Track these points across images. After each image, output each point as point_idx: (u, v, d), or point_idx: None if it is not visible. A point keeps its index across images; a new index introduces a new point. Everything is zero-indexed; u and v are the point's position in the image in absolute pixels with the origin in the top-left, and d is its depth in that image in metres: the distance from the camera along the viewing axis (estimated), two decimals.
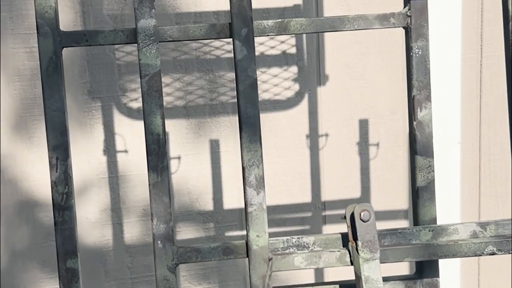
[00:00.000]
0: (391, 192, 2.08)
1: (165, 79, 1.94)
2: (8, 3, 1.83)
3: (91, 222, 1.98)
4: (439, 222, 1.98)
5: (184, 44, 1.92)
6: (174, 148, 1.98)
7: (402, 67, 1.98)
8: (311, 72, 1.99)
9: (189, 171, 1.99)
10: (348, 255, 1.06)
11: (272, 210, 2.04)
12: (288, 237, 1.10)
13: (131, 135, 1.96)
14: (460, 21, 1.94)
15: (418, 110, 1.14)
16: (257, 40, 1.91)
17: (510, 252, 1.06)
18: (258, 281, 1.04)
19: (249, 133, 1.05)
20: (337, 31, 1.12)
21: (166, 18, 1.89)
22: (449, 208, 2.06)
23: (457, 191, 2.07)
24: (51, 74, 1.07)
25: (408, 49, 1.15)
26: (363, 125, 2.04)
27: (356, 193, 2.07)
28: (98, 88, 1.92)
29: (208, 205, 2.02)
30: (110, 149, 1.96)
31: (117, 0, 1.88)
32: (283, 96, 1.99)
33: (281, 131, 2.01)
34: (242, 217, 2.05)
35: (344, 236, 1.09)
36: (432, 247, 1.06)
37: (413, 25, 1.13)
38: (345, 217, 1.06)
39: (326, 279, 2.08)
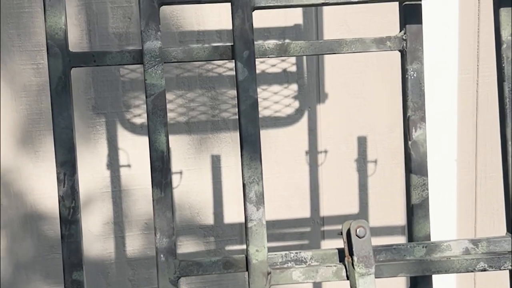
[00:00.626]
0: (388, 208, 2.11)
1: (168, 96, 1.98)
2: (16, 21, 1.88)
3: (93, 235, 2.02)
4: (436, 237, 2.02)
5: (187, 62, 1.96)
6: (176, 163, 2.02)
7: (400, 85, 2.03)
8: (311, 90, 2.03)
9: (191, 185, 2.03)
10: (344, 269, 1.10)
11: (272, 224, 2.08)
12: (287, 252, 1.14)
13: (134, 150, 2.00)
14: (457, 42, 1.98)
15: (413, 130, 1.18)
16: (259, 58, 1.96)
17: (501, 268, 1.10)
18: None
19: (249, 151, 1.09)
20: (335, 53, 1.16)
21: (170, 36, 1.94)
22: (446, 225, 2.10)
23: (454, 207, 2.11)
24: (60, 93, 1.11)
25: (404, 71, 1.19)
26: (362, 142, 2.08)
27: (354, 209, 2.11)
28: (103, 104, 1.96)
29: (209, 219, 2.06)
30: (113, 164, 2.00)
31: (122, 19, 1.92)
32: (284, 113, 2.04)
33: (281, 147, 2.05)
34: (242, 231, 2.09)
35: (341, 251, 1.13)
36: (425, 262, 1.10)
37: (408, 48, 1.17)
38: (341, 233, 1.10)
39: None
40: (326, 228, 2.11)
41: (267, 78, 2.01)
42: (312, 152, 2.07)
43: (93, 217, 2.01)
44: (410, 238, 1.19)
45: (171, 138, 2.01)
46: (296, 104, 2.04)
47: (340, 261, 1.13)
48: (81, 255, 1.13)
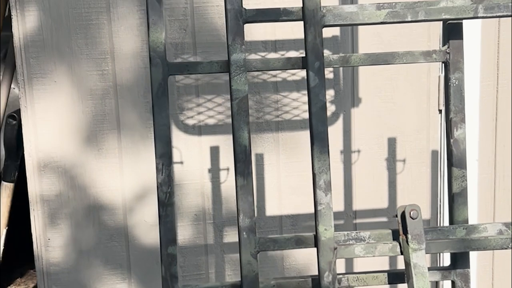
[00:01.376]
0: (415, 203, 2.32)
1: (217, 99, 2.19)
2: (84, 31, 2.09)
3: (149, 224, 2.23)
4: None
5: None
6: (224, 160, 2.23)
7: (427, 91, 2.24)
8: (346, 95, 2.24)
9: None
10: (399, 246, 1.31)
11: (310, 217, 2.29)
12: (348, 232, 1.35)
13: (186, 148, 2.21)
14: (479, 53, 2.19)
15: (455, 129, 1.39)
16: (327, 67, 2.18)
17: None
18: (326, 266, 1.29)
19: (319, 146, 1.30)
20: (389, 64, 1.37)
21: (221, 46, 2.15)
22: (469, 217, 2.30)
23: (475, 202, 2.31)
24: (160, 96, 1.32)
25: (447, 80, 1.40)
26: (391, 143, 2.29)
27: (384, 203, 2.32)
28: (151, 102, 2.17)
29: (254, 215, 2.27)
30: None
31: (179, 30, 2.14)
32: None
33: None
34: (282, 223, 2.29)
35: (394, 231, 1.34)
36: (466, 241, 1.31)
37: (451, 60, 1.39)
38: (396, 216, 1.31)
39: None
40: (358, 221, 2.32)
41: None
42: (347, 151, 2.28)
43: (149, 208, 2.21)
44: (451, 222, 1.40)
45: (220, 138, 2.22)
46: (333, 108, 2.25)
47: (394, 240, 1.34)
48: (175, 233, 1.34)
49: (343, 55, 1.37)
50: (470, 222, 2.25)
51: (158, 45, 1.31)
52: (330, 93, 2.24)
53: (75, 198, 2.18)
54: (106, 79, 2.12)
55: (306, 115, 2.24)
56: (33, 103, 2.11)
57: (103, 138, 2.16)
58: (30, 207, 2.18)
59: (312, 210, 2.30)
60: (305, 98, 2.23)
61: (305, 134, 2.23)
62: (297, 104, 2.23)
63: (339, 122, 2.26)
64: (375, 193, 2.31)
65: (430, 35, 2.19)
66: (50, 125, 2.13)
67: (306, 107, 2.24)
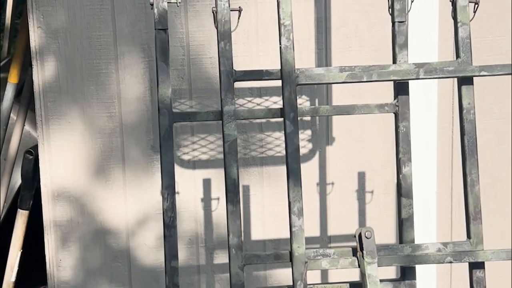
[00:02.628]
0: (382, 230, 2.64)
1: (210, 138, 2.53)
2: (95, 79, 2.43)
3: (148, 247, 2.54)
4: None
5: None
6: (215, 191, 2.55)
7: (392, 132, 2.58)
8: (321, 135, 2.57)
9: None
10: (357, 260, 1.63)
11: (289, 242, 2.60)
12: (316, 249, 1.67)
13: (182, 180, 2.53)
14: (436, 100, 2.54)
15: (403, 167, 1.73)
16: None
17: (462, 261, 1.64)
18: (298, 276, 1.61)
19: (293, 180, 1.63)
20: (350, 114, 1.71)
21: (214, 92, 2.49)
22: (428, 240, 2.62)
23: (434, 229, 2.64)
24: (166, 139, 1.65)
25: (397, 127, 1.74)
26: (361, 176, 2.62)
27: (355, 229, 2.64)
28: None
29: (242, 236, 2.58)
30: None
31: (177, 78, 2.47)
32: (300, 153, 2.58)
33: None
34: (265, 247, 2.61)
35: (354, 249, 1.67)
36: (411, 256, 1.64)
37: (399, 112, 1.73)
38: (355, 236, 1.64)
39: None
40: (332, 245, 2.64)
41: None
42: (322, 183, 2.61)
43: (149, 233, 2.53)
44: (400, 241, 1.73)
45: (212, 171, 2.54)
46: (310, 145, 2.58)
47: (353, 255, 1.67)
48: (177, 249, 1.66)
49: (313, 107, 1.71)
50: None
51: (165, 98, 1.64)
52: (307, 133, 2.58)
53: (84, 224, 2.49)
54: (113, 120, 2.45)
55: None
56: (49, 140, 2.44)
57: (109, 171, 2.48)
58: (44, 232, 2.49)
59: None
60: None
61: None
62: (279, 142, 2.56)
63: (316, 158, 2.59)
64: (347, 220, 2.63)
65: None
66: (63, 159, 2.45)
67: None
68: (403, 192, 1.72)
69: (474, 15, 1.72)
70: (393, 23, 1.72)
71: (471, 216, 1.69)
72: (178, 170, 2.51)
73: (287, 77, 1.63)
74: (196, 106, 2.49)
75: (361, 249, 1.60)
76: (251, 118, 1.67)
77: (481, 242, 1.69)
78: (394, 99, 1.74)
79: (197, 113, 1.67)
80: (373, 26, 2.50)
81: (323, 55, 2.52)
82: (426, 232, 2.61)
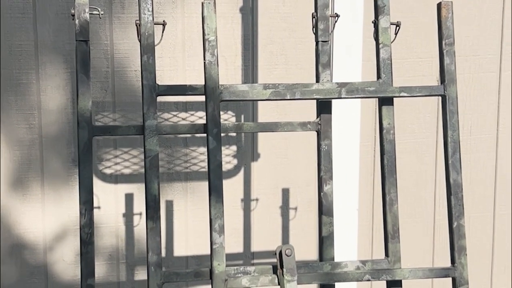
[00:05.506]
0: (304, 246, 2.66)
1: (133, 152, 2.49)
2: (15, 89, 2.36)
3: (66, 264, 2.47)
4: None
5: None
6: (137, 206, 2.51)
7: (315, 150, 2.60)
8: (247, 151, 2.57)
9: None
10: (277, 278, 1.63)
11: None
12: (237, 267, 1.66)
13: (103, 194, 2.48)
14: (359, 119, 2.57)
15: (324, 185, 1.73)
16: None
17: (380, 279, 1.65)
18: None
19: (215, 197, 1.62)
20: (273, 131, 1.71)
21: (138, 105, 2.45)
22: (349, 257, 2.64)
23: (355, 246, 2.66)
24: (85, 153, 1.61)
25: (319, 145, 1.75)
26: (285, 193, 2.63)
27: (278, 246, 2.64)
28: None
29: (161, 253, 2.55)
30: None
31: (100, 90, 2.43)
32: (225, 168, 2.57)
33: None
34: (188, 263, 2.58)
35: (274, 266, 1.66)
36: (331, 274, 1.64)
37: (322, 130, 1.74)
38: (275, 253, 1.63)
39: None
40: (255, 261, 2.64)
41: None
42: (246, 199, 2.60)
43: (67, 249, 2.46)
44: (320, 259, 1.74)
45: (134, 186, 2.50)
46: (235, 161, 2.58)
47: (273, 273, 1.66)
48: (93, 267, 1.62)
49: (237, 123, 1.70)
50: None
51: (85, 111, 1.60)
52: (233, 149, 2.57)
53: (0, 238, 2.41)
54: (33, 131, 2.38)
55: None
56: None
57: (28, 184, 2.41)
58: None
59: None
60: None
61: None
62: (204, 158, 2.54)
63: (240, 174, 2.58)
64: (271, 236, 2.63)
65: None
66: None
67: None
68: (324, 210, 1.72)
69: (396, 37, 1.75)
70: (317, 42, 1.73)
71: (389, 235, 1.71)
72: (99, 185, 2.46)
73: (211, 93, 1.62)
74: (119, 119, 2.45)
75: (281, 266, 1.60)
76: (174, 133, 1.65)
77: (399, 261, 1.71)
78: (317, 117, 1.75)
79: (118, 127, 1.64)
80: (298, 45, 2.52)
81: (250, 72, 2.53)
82: (348, 249, 2.63)
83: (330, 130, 1.73)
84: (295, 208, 2.63)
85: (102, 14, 1.66)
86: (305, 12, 2.50)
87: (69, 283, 2.47)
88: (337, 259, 2.51)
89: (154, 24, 1.64)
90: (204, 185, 2.55)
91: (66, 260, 2.46)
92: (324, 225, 1.72)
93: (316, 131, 1.74)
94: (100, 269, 2.50)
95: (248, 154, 2.57)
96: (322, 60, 1.72)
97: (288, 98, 1.65)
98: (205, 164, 2.54)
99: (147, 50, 1.63)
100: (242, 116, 2.55)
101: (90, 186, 1.61)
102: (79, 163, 1.61)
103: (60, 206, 2.43)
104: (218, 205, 1.61)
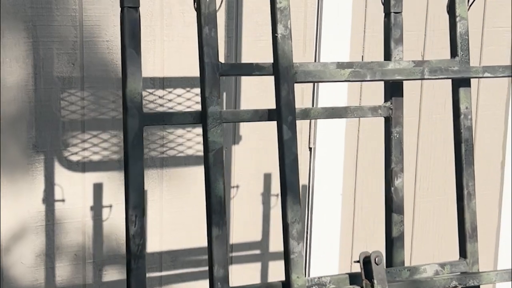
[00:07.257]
0: None
1: (103, 135, 2.14)
2: None
3: (25, 267, 2.10)
4: (319, 253, 2.39)
5: (120, 105, 2.13)
6: (107, 197, 2.17)
7: (300, 130, 2.38)
8: (228, 133, 2.30)
9: (119, 218, 2.19)
10: None
11: (188, 252, 2.31)
12: (310, 278, 1.41)
13: (69, 185, 2.12)
14: (346, 94, 2.38)
15: (395, 179, 1.52)
16: (186, 97, 2.20)
17: (467, 285, 1.48)
18: None
19: (292, 197, 1.36)
20: (342, 117, 1.47)
21: (107, 80, 2.10)
22: (330, 242, 2.46)
23: (338, 229, 2.48)
24: (135, 146, 1.29)
25: (388, 133, 1.52)
26: (267, 178, 2.39)
27: (258, 237, 2.41)
28: (43, 142, 2.06)
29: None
30: (49, 199, 2.10)
31: (67, 64, 2.05)
32: (202, 153, 2.28)
33: (200, 182, 2.28)
34: (162, 260, 2.28)
35: (351, 276, 1.43)
36: (417, 282, 1.44)
37: (393, 115, 1.51)
38: (358, 261, 1.40)
39: None
40: (234, 254, 2.38)
41: None
42: (226, 186, 2.33)
43: (26, 249, 2.09)
44: (390, 263, 1.53)
45: (104, 174, 2.16)
46: None
47: (350, 284, 1.43)
48: (145, 286, 1.31)
49: (304, 108, 1.44)
50: (332, 242, 2.42)
51: (136, 95, 1.28)
52: None
53: None
54: None
55: (190, 152, 2.26)
56: None
57: None
58: None
59: (196, 245, 2.33)
60: (190, 135, 2.25)
61: (189, 171, 2.26)
62: (181, 141, 2.24)
63: None
64: (251, 226, 2.39)
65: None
66: None
67: (190, 143, 2.26)
68: (394, 207, 1.51)
69: (470, 6, 1.56)
70: (388, 13, 1.50)
71: (467, 234, 1.53)
72: (64, 173, 2.11)
73: (285, 73, 1.35)
74: (89, 98, 2.09)
75: (369, 277, 1.37)
76: (236, 121, 1.37)
77: (477, 262, 1.55)
78: (386, 100, 1.53)
79: (172, 114, 1.33)
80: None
81: (233, 44, 2.25)
82: (328, 236, 2.46)
83: (402, 115, 1.52)
84: (277, 195, 2.40)
85: None
86: None
87: None
88: (319, 241, 2.34)
89: None
90: (182, 171, 2.26)
91: (25, 263, 2.09)
92: (395, 224, 1.52)
93: (385, 117, 1.52)
94: (64, 272, 2.15)
95: (229, 136, 2.30)
96: (394, 34, 1.50)
97: (369, 79, 1.42)
98: (183, 148, 2.24)
99: (209, 20, 1.33)
100: (225, 94, 2.27)
101: (141, 188, 1.31)
102: (127, 158, 1.29)
103: (18, 200, 2.05)
104: (296, 207, 1.35)
